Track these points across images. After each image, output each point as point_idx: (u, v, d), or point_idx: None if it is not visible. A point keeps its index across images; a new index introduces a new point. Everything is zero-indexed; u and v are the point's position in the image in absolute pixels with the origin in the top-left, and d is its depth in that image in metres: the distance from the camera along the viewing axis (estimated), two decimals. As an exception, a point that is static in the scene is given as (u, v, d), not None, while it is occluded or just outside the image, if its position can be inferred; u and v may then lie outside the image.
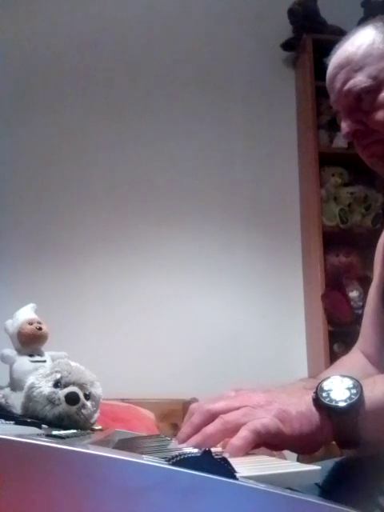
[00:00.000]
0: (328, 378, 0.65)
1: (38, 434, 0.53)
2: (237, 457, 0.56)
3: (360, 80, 0.95)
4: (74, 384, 0.80)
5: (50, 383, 0.79)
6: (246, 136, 2.88)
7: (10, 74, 2.76)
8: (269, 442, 0.61)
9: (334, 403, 0.62)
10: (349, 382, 0.64)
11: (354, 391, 0.63)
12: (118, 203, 2.71)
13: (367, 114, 0.96)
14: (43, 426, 0.65)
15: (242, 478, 0.36)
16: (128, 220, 2.70)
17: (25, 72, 2.78)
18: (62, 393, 0.78)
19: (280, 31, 2.93)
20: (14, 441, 0.33)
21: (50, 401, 0.78)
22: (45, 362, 1.05)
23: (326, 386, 0.64)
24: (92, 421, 0.82)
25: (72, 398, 0.78)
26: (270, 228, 2.78)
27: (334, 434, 0.62)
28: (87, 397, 0.81)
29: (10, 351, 1.08)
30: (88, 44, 2.83)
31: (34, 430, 0.59)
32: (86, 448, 0.34)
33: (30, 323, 1.08)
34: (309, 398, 0.64)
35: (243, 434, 0.58)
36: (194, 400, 0.78)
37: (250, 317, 2.67)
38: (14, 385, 1.01)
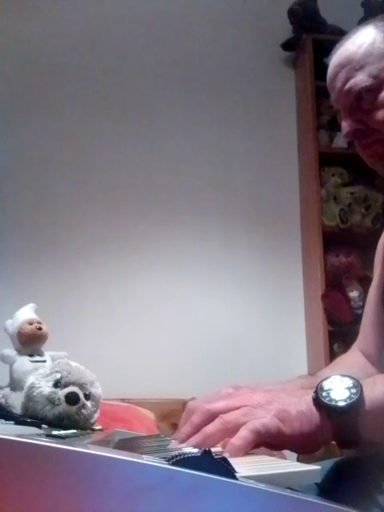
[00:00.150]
0: (328, 377, 0.65)
1: (38, 434, 0.53)
2: (237, 457, 0.56)
3: (361, 79, 0.95)
4: (74, 384, 0.80)
5: (50, 383, 0.79)
6: (246, 136, 2.88)
7: (10, 74, 2.76)
8: (269, 441, 0.61)
9: (333, 403, 0.62)
10: (349, 382, 0.64)
11: (354, 391, 0.63)
12: (118, 203, 2.71)
13: (368, 113, 0.96)
14: (43, 425, 0.65)
15: (241, 478, 0.36)
16: (128, 220, 2.70)
17: (25, 72, 2.78)
18: (62, 393, 0.78)
19: (280, 31, 2.93)
20: (14, 441, 0.33)
21: (50, 401, 0.78)
22: (45, 361, 1.05)
23: (326, 385, 0.64)
24: (92, 421, 0.82)
25: (72, 398, 0.78)
26: (270, 228, 2.77)
27: (334, 433, 0.62)
28: (87, 397, 0.81)
29: (10, 351, 1.08)
30: (88, 44, 2.83)
31: (34, 429, 0.59)
32: (86, 448, 0.34)
33: (30, 323, 1.08)
34: (309, 397, 0.64)
35: (243, 433, 0.58)
36: (195, 399, 0.78)
37: (249, 317, 2.67)
38: (14, 385, 1.01)
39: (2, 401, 0.84)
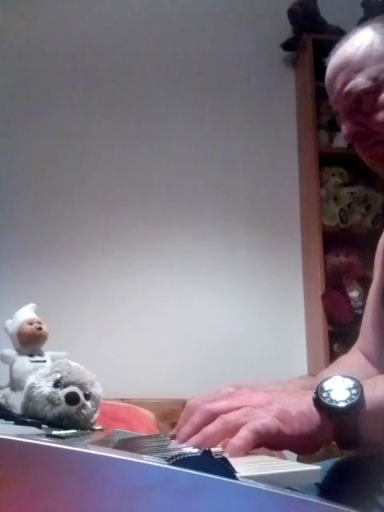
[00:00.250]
0: (329, 378, 0.65)
1: (38, 434, 0.53)
2: (237, 457, 0.56)
3: (360, 81, 0.95)
4: (74, 384, 0.80)
5: (50, 383, 0.79)
6: (245, 136, 2.88)
7: (10, 74, 2.76)
8: (269, 442, 0.61)
9: (334, 403, 0.62)
10: (349, 383, 0.64)
11: (354, 391, 0.63)
12: (118, 203, 2.71)
13: (367, 115, 0.96)
14: (43, 425, 0.65)
15: (241, 478, 0.36)
16: (128, 220, 2.70)
17: (25, 72, 2.78)
18: (62, 393, 0.78)
19: (280, 31, 2.93)
20: (14, 441, 0.33)
21: (50, 401, 0.78)
22: (45, 361, 1.05)
23: (326, 386, 0.64)
24: (92, 421, 0.82)
25: (72, 398, 0.78)
26: (270, 228, 2.77)
27: (334, 434, 0.62)
28: (87, 397, 0.81)
29: (10, 351, 1.08)
30: (88, 44, 2.83)
31: (34, 429, 0.59)
32: (86, 448, 0.34)
33: (30, 323, 1.08)
34: (309, 398, 0.64)
35: (243, 433, 0.58)
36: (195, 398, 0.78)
37: (249, 317, 2.67)
38: (14, 385, 1.01)
39: (2, 401, 0.84)
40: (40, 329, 1.08)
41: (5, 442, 0.33)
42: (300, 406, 0.63)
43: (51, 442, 0.34)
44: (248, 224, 2.77)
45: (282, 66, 2.99)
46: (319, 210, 2.63)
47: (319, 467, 0.49)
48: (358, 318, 1.19)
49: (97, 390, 0.83)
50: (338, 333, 2.50)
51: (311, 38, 2.78)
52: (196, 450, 0.55)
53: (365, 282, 2.18)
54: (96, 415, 0.83)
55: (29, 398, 0.80)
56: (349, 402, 0.62)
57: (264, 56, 2.96)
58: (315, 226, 2.62)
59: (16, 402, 0.84)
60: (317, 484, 0.68)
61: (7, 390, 0.97)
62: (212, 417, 0.63)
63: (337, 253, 2.65)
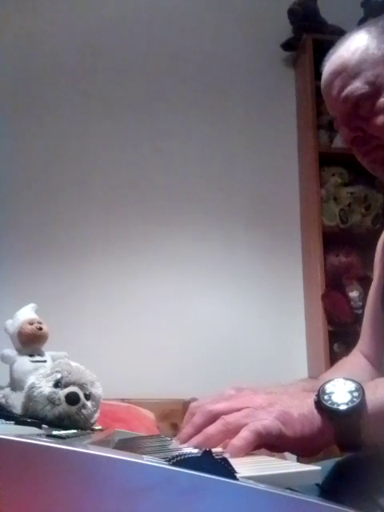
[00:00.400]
0: (331, 380, 0.65)
1: (38, 434, 0.53)
2: (237, 457, 0.56)
3: (357, 87, 0.95)
4: (74, 384, 0.80)
5: (51, 383, 0.79)
6: (246, 136, 2.88)
7: (10, 74, 2.76)
8: (270, 443, 0.61)
9: (335, 406, 0.62)
10: (351, 385, 0.64)
11: (355, 394, 0.63)
12: (118, 203, 2.71)
13: (366, 120, 0.96)
14: (43, 425, 0.65)
15: (242, 479, 0.36)
16: (128, 220, 2.70)
17: (25, 72, 2.78)
18: (62, 393, 0.78)
19: (280, 31, 2.93)
20: (14, 441, 0.33)
21: (50, 401, 0.78)
22: (45, 361, 1.05)
23: (328, 388, 0.64)
24: (92, 421, 0.82)
25: (72, 398, 0.78)
26: (270, 228, 2.77)
27: (335, 437, 0.62)
28: (87, 397, 0.81)
29: (11, 351, 1.08)
30: (88, 44, 2.83)
31: (34, 429, 0.59)
32: (86, 448, 0.34)
33: (31, 323, 1.08)
34: (311, 400, 0.64)
35: (244, 434, 0.58)
36: (194, 400, 0.78)
37: (249, 317, 2.67)
38: (15, 385, 1.01)
39: (3, 401, 0.84)
40: (40, 329, 1.08)
41: (5, 441, 0.33)
42: (301, 408, 0.63)
43: (51, 442, 0.34)
44: (248, 224, 2.77)
45: (282, 65, 2.99)
46: (319, 210, 2.63)
47: (319, 467, 0.49)
48: (358, 318, 1.19)
49: (97, 390, 0.83)
50: (338, 333, 2.50)
51: (311, 37, 2.78)
52: (196, 451, 0.55)
53: (365, 282, 2.18)
54: (96, 415, 0.83)
55: (29, 397, 0.80)
56: (350, 404, 0.62)
57: (264, 56, 2.96)
58: (315, 226, 2.62)
59: (16, 401, 0.84)
60: (317, 484, 0.68)
61: (7, 390, 0.97)
62: (213, 418, 0.63)
63: (337, 253, 2.65)
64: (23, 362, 1.05)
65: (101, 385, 0.84)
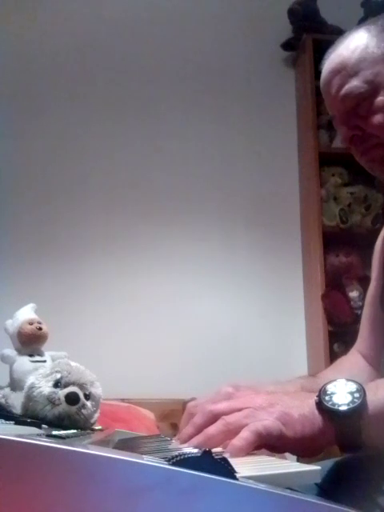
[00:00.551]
0: (332, 381, 0.65)
1: (38, 434, 0.53)
2: (237, 457, 0.56)
3: (356, 86, 0.95)
4: (74, 384, 0.80)
5: (50, 383, 0.79)
6: (246, 136, 2.88)
7: (11, 74, 2.76)
8: (270, 443, 0.61)
9: (336, 407, 0.62)
10: (352, 386, 0.64)
11: (356, 395, 0.62)
12: (118, 203, 2.71)
13: (364, 118, 0.96)
14: (43, 425, 0.65)
15: (242, 478, 0.36)
16: (128, 220, 2.70)
17: (25, 71, 2.78)
18: (62, 393, 0.78)
19: (280, 31, 2.93)
20: (14, 441, 0.33)
21: (50, 401, 0.78)
22: (45, 361, 1.05)
23: (329, 389, 0.64)
24: (92, 421, 0.82)
25: (72, 398, 0.78)
26: (270, 228, 2.78)
27: (336, 437, 0.62)
28: (87, 397, 0.81)
29: (10, 351, 1.08)
30: (88, 44, 2.83)
31: (34, 430, 0.59)
32: (86, 448, 0.34)
33: (30, 323, 1.08)
34: (312, 401, 0.64)
35: (244, 434, 0.58)
36: (194, 400, 0.78)
37: (249, 317, 2.67)
38: (14, 385, 1.01)
39: (2, 401, 0.84)
40: (40, 329, 1.08)
41: (5, 441, 0.33)
42: (302, 408, 0.63)
43: (51, 442, 0.34)
44: (248, 224, 2.77)
45: (282, 65, 2.99)
46: (319, 209, 2.63)
47: (319, 467, 0.49)
48: (358, 318, 1.19)
49: (97, 390, 0.83)
50: (338, 333, 2.50)
51: (311, 37, 2.78)
52: (196, 450, 0.55)
53: (365, 282, 2.17)
54: (96, 415, 0.83)
55: (29, 398, 0.80)
56: (351, 405, 0.62)
57: (264, 56, 2.96)
58: (315, 226, 2.62)
59: (16, 402, 0.84)
60: (317, 484, 0.68)
61: (7, 390, 0.97)
62: (214, 418, 0.63)
63: (337, 253, 2.65)
64: (23, 362, 1.05)
65: (101, 385, 0.84)
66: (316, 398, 0.64)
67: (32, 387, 0.80)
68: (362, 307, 1.18)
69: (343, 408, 0.62)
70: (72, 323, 2.48)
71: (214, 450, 0.57)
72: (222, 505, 0.33)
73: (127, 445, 0.82)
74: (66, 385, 0.79)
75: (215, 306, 2.65)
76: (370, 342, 1.09)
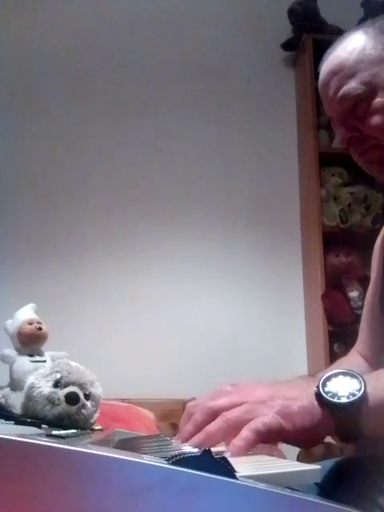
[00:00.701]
0: (331, 372, 0.65)
1: (38, 434, 0.53)
2: (238, 456, 0.56)
3: (353, 87, 0.95)
4: (73, 384, 0.80)
5: (50, 383, 0.79)
6: (246, 136, 2.88)
7: (10, 74, 2.76)
8: (271, 439, 0.61)
9: (336, 399, 0.61)
10: (352, 378, 0.64)
11: (357, 387, 0.62)
12: (118, 203, 2.71)
13: (362, 120, 0.96)
14: (43, 425, 0.65)
15: (241, 478, 0.36)
16: (128, 220, 2.70)
17: (25, 72, 2.77)
18: (61, 393, 0.78)
19: (280, 31, 2.93)
20: (14, 441, 0.33)
21: (50, 401, 0.78)
22: (45, 362, 1.05)
23: (328, 380, 0.64)
24: (92, 421, 0.82)
25: (72, 398, 0.78)
26: (270, 228, 2.77)
27: (335, 429, 0.62)
28: (87, 397, 0.81)
29: (10, 351, 1.08)
30: (88, 44, 2.83)
31: (34, 429, 0.59)
32: (86, 448, 0.34)
33: (30, 323, 1.08)
34: (311, 391, 0.64)
35: (245, 434, 0.58)
36: (194, 400, 0.78)
37: (249, 317, 2.67)
38: (14, 385, 1.01)
39: (2, 401, 0.84)
40: (40, 329, 1.08)
41: (5, 441, 0.33)
42: (301, 400, 0.63)
43: (51, 442, 0.34)
44: (248, 224, 2.77)
45: (282, 65, 2.99)
46: (319, 209, 2.63)
47: (319, 467, 0.49)
48: (358, 318, 1.19)
49: (97, 390, 0.83)
50: (338, 333, 2.50)
51: (311, 37, 2.78)
52: (196, 450, 0.55)
53: (365, 282, 2.17)
54: (96, 415, 0.83)
55: (29, 397, 0.80)
56: (351, 397, 0.61)
57: (264, 56, 2.96)
58: (315, 226, 2.62)
59: (16, 402, 0.84)
60: (317, 484, 0.68)
61: (7, 390, 0.97)
62: (213, 415, 0.63)
63: (337, 253, 2.65)
64: (23, 362, 1.05)
65: (101, 385, 0.84)
66: (315, 389, 0.64)
67: (32, 387, 0.80)
68: (361, 307, 1.18)
69: (343, 400, 0.61)
70: (72, 323, 2.48)
71: (214, 449, 0.57)
72: (222, 504, 0.33)
73: (127, 445, 0.82)
74: (66, 385, 0.79)
75: (215, 306, 2.65)
76: (370, 344, 1.09)
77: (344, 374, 0.64)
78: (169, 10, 2.92)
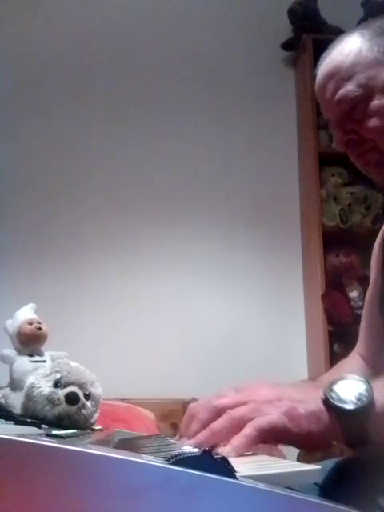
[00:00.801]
0: (339, 377, 0.65)
1: (38, 434, 0.53)
2: (240, 453, 0.56)
3: (350, 90, 0.95)
4: (73, 384, 0.79)
5: (50, 383, 0.79)
6: (246, 136, 2.88)
7: (11, 74, 2.76)
8: (274, 438, 0.60)
9: (343, 405, 0.61)
10: (359, 383, 0.63)
11: (364, 393, 0.62)
12: (118, 203, 2.71)
13: (360, 122, 0.96)
14: (43, 425, 0.65)
15: (241, 478, 0.36)
16: (128, 220, 2.70)
17: (25, 72, 2.78)
18: (61, 393, 0.78)
19: (280, 31, 2.93)
20: (14, 441, 0.33)
21: (50, 401, 0.78)
22: (45, 362, 1.05)
23: (335, 386, 0.63)
24: (92, 421, 0.81)
25: (72, 398, 0.78)
26: (270, 228, 2.77)
27: (342, 435, 0.62)
28: (87, 397, 0.81)
29: (10, 351, 1.08)
30: (88, 44, 2.83)
31: (34, 429, 0.59)
32: (86, 448, 0.34)
33: (30, 323, 1.08)
34: (317, 396, 0.63)
35: (247, 431, 0.58)
36: (194, 400, 0.78)
37: (249, 317, 2.67)
38: (14, 385, 1.01)
39: (2, 401, 0.84)
40: (40, 329, 1.08)
41: (5, 441, 0.33)
42: (308, 404, 0.62)
43: (51, 442, 0.34)
44: (248, 224, 2.77)
45: (282, 65, 2.99)
46: (319, 209, 2.63)
47: (319, 467, 0.49)
48: (358, 318, 1.19)
49: (97, 390, 0.83)
50: (338, 333, 2.50)
51: (311, 37, 2.78)
52: (196, 450, 0.55)
53: (365, 282, 2.17)
54: (96, 415, 0.83)
55: (29, 397, 0.80)
56: (358, 403, 0.61)
57: (264, 56, 2.96)
58: (315, 226, 2.62)
59: (16, 402, 0.84)
60: (317, 484, 0.68)
61: (7, 390, 0.97)
62: (218, 413, 0.62)
63: (337, 253, 2.65)
64: (23, 362, 1.05)
65: (101, 385, 0.84)
66: (322, 394, 0.63)
67: (32, 387, 0.80)
68: (361, 307, 1.18)
69: (351, 406, 0.61)
70: (72, 323, 2.48)
71: (218, 447, 0.57)
72: (222, 504, 0.33)
73: (127, 445, 0.82)
74: (66, 385, 0.79)
75: (215, 306, 2.65)
76: (370, 345, 1.09)
77: (351, 378, 0.64)
78: (169, 10, 2.92)
